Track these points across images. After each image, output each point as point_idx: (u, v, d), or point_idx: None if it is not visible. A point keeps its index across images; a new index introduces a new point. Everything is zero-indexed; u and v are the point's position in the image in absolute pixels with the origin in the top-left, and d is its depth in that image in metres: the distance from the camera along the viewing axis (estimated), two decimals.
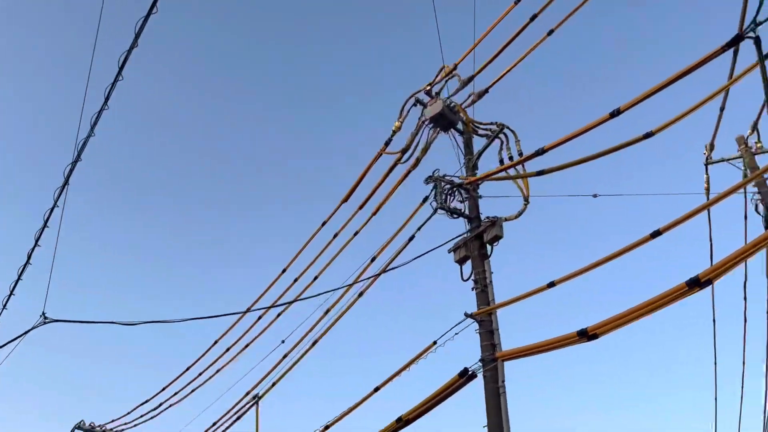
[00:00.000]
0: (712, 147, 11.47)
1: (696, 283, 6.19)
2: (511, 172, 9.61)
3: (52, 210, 6.24)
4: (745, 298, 13.44)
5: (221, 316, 7.61)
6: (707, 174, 11.62)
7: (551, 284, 7.66)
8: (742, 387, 14.90)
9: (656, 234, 6.72)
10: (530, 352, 7.84)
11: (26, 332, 7.42)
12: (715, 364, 15.30)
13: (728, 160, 11.33)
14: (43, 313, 6.74)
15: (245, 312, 11.88)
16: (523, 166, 9.34)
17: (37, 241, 6.37)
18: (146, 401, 16.63)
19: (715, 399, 16.06)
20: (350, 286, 9.82)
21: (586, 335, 7.12)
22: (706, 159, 11.63)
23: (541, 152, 8.23)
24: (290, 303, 11.00)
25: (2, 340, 7.66)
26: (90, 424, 20.91)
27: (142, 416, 17.27)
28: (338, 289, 9.68)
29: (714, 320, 14.31)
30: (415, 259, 9.29)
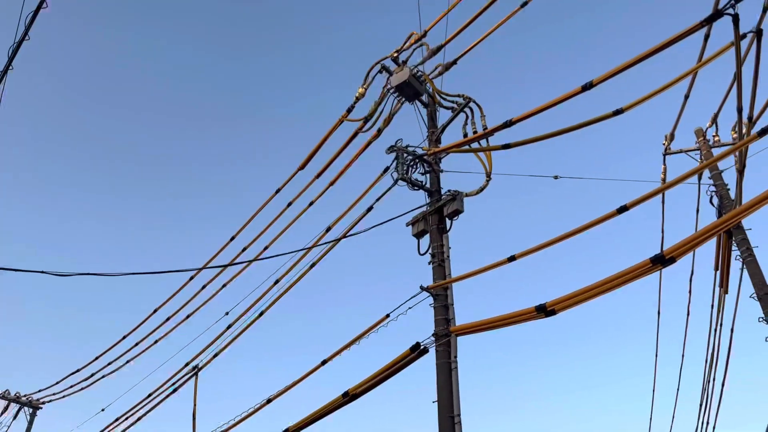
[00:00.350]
0: (671, 137, 11.53)
1: (660, 260, 6.09)
2: (476, 146, 9.38)
3: None
4: (690, 291, 13.72)
5: (161, 273, 7.09)
6: (665, 164, 11.72)
7: (512, 258, 7.46)
8: (680, 378, 15.26)
9: (623, 209, 6.60)
10: (485, 327, 7.65)
11: None
12: (656, 355, 15.63)
13: (686, 151, 11.42)
14: None
15: (193, 275, 11.33)
16: (487, 140, 9.11)
17: None
18: (77, 371, 15.86)
19: (653, 390, 16.44)
20: (308, 250, 9.42)
21: (544, 311, 6.95)
22: (665, 149, 11.70)
23: (509, 124, 8.01)
24: (247, 265, 10.51)
25: None
26: (15, 394, 19.88)
27: (72, 387, 16.49)
28: (291, 252, 9.27)
29: (659, 312, 14.59)
30: (371, 228, 8.97)
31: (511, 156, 8.55)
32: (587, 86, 7.21)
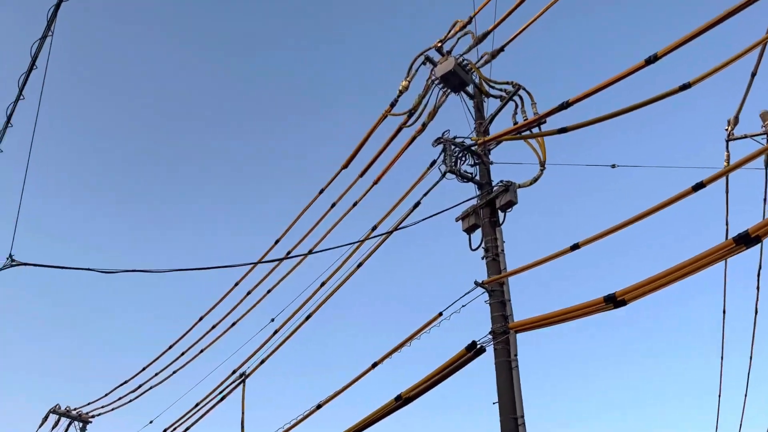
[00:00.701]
0: (735, 121, 10.84)
1: (745, 240, 5.54)
2: (528, 134, 8.94)
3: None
4: (757, 288, 12.91)
5: (210, 269, 6.87)
6: (728, 151, 11.02)
7: (575, 246, 6.97)
8: (748, 379, 14.35)
9: (699, 186, 6.07)
10: (548, 322, 7.16)
11: None
12: (722, 357, 14.74)
13: (751, 136, 10.71)
14: (11, 255, 5.88)
15: (238, 280, 11.14)
16: (539, 127, 8.66)
17: None
18: (125, 382, 15.86)
19: (719, 395, 15.51)
20: (360, 244, 9.10)
21: (613, 301, 6.44)
22: (728, 135, 11.02)
23: (565, 106, 7.56)
24: (301, 260, 10.24)
25: None
26: (66, 408, 20.03)
27: (120, 399, 16.49)
28: (341, 246, 8.97)
29: (724, 311, 13.76)
30: (420, 221, 8.61)
31: (564, 146, 8.08)
32: (651, 59, 6.72)
